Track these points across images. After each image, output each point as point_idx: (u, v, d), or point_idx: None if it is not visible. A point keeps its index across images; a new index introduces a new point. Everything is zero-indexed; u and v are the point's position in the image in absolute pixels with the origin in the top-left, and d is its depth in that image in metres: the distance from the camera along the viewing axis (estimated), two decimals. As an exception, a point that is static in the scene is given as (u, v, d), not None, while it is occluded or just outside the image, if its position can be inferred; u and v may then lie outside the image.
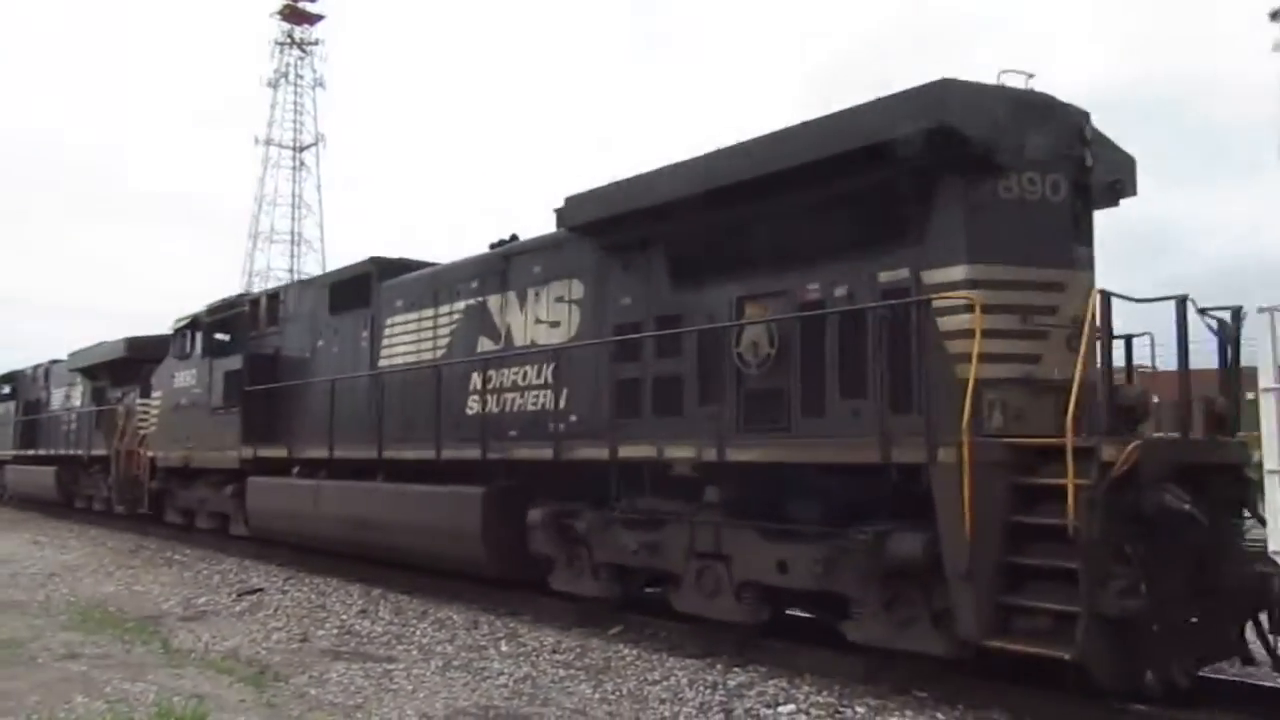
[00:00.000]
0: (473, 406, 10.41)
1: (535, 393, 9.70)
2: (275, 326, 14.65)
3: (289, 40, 61.94)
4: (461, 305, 10.83)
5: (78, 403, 22.92)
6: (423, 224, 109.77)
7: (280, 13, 61.30)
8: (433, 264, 12.19)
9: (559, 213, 9.26)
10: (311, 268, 58.23)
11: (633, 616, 8.96)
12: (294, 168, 61.73)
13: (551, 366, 9.46)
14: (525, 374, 9.84)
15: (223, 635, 9.11)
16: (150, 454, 17.50)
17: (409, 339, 11.65)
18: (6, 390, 28.07)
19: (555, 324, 9.57)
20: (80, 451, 21.28)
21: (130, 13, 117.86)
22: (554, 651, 8.19)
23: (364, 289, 12.66)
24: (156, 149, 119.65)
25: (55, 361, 25.12)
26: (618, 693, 6.85)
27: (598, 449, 8.53)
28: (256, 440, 13.93)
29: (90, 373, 22.04)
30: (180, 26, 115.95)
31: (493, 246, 10.94)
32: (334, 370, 12.86)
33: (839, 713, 6.28)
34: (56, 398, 24.56)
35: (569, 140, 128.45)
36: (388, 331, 12.01)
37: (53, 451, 23.21)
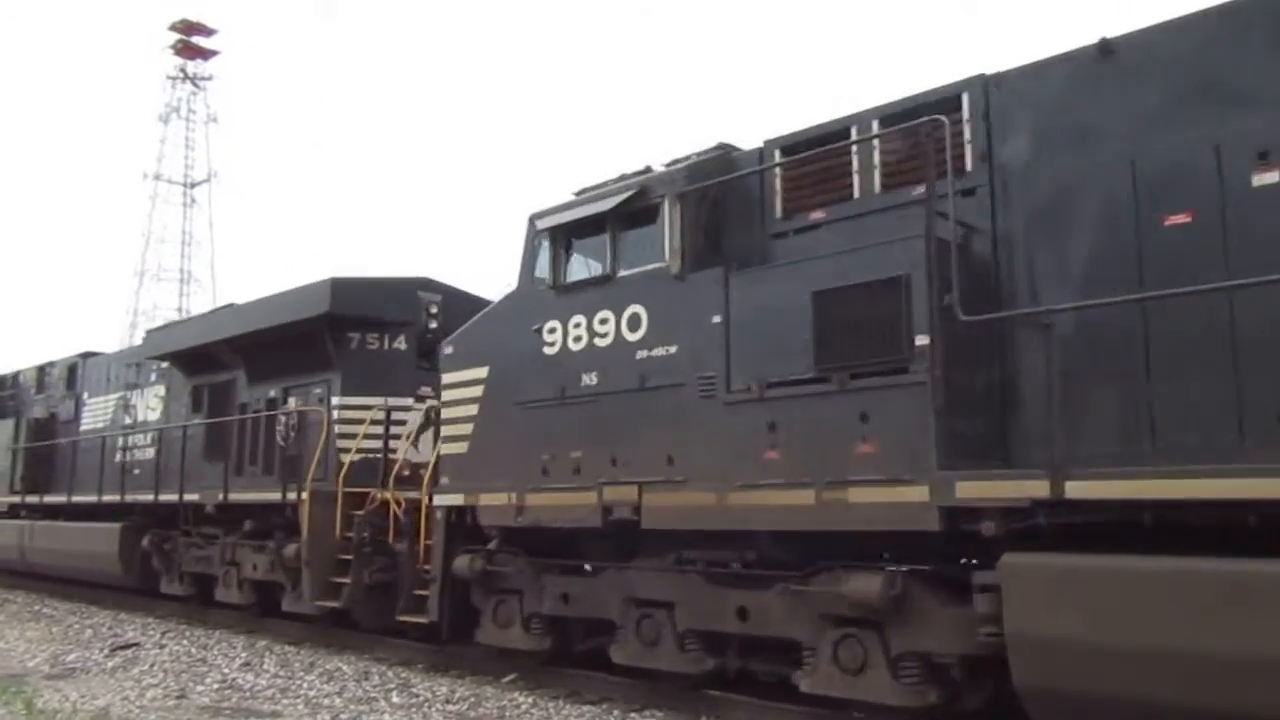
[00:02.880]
0: None
1: None
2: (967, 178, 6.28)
3: (181, 75, 60.48)
4: None
5: (152, 415, 14.46)
6: (323, 263, 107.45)
7: (173, 47, 59.90)
8: None
9: None
10: (201, 307, 56.34)
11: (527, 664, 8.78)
12: (184, 204, 59.92)
13: None
14: None
15: (93, 694, 8.63)
16: (457, 501, 8.81)
17: None
18: None
19: None
20: (190, 497, 12.60)
21: (12, 41, 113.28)
22: (447, 702, 8.02)
23: None
24: (33, 182, 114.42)
25: (89, 355, 16.91)
26: (511, 742, 6.75)
27: None
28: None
29: (191, 361, 13.51)
30: (66, 57, 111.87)
31: None
32: None
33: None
34: (95, 411, 16.11)
35: (471, 174, 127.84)
36: None
37: (107, 499, 14.23)
